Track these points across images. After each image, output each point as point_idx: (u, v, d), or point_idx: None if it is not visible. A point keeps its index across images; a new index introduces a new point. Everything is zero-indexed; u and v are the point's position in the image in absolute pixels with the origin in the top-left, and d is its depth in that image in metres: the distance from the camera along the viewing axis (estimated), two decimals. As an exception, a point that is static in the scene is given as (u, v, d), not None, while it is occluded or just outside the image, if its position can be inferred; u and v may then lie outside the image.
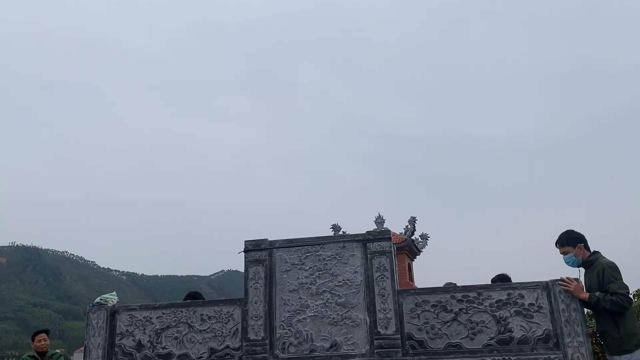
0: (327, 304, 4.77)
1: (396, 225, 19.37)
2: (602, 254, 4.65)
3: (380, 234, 4.94)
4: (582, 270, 4.71)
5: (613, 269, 4.41)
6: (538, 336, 4.42)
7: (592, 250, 4.68)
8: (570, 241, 4.70)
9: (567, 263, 4.73)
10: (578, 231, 4.77)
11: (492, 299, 4.58)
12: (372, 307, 4.68)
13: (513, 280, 5.74)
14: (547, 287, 4.53)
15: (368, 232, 4.95)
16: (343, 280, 4.82)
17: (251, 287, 4.91)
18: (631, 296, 4.50)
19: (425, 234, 18.95)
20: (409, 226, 18.30)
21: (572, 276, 4.59)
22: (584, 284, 4.57)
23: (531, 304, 4.51)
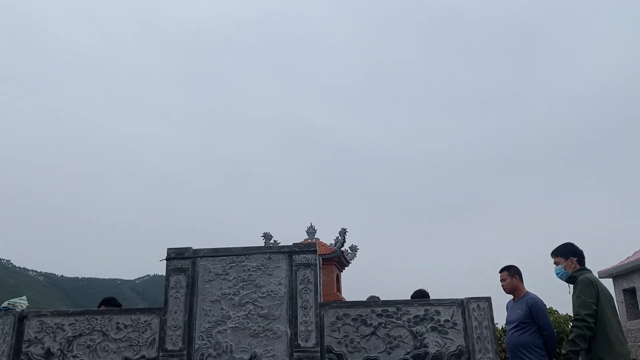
0: (249, 316, 4.73)
1: (329, 236, 19.53)
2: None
3: (307, 247, 4.97)
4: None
5: (584, 284, 4.30)
6: (452, 352, 4.59)
7: (583, 267, 4.57)
8: (563, 253, 4.62)
9: (557, 275, 4.68)
10: (577, 246, 4.66)
11: (410, 314, 4.71)
12: (294, 320, 4.69)
13: (432, 296, 5.96)
14: (462, 304, 4.72)
15: (294, 244, 4.97)
16: (267, 291, 4.80)
17: (171, 296, 4.80)
18: (587, 316, 4.22)
19: (355, 246, 19.23)
20: (340, 237, 18.52)
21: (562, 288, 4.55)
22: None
23: (447, 320, 4.68)
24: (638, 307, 19.38)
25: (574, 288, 4.46)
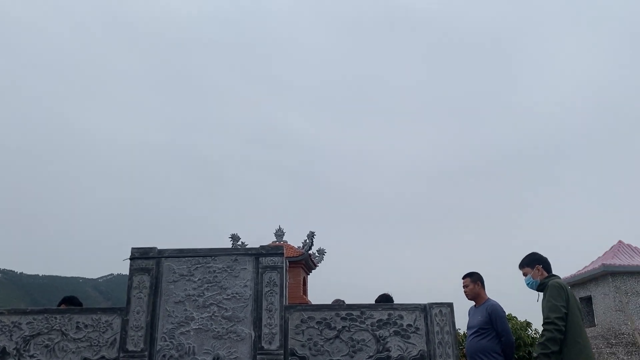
0: (213, 317, 4.71)
1: (297, 239, 19.52)
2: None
3: (274, 249, 4.97)
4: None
5: (555, 288, 4.34)
6: (413, 356, 4.65)
7: (551, 274, 4.64)
8: (529, 262, 4.69)
9: (527, 285, 4.72)
10: (540, 254, 4.72)
11: (374, 318, 4.76)
12: (259, 322, 4.68)
13: (396, 301, 6.04)
14: (425, 309, 4.79)
15: (261, 247, 4.96)
16: (232, 293, 4.79)
17: (134, 296, 4.73)
18: (557, 319, 4.24)
19: (323, 249, 19.28)
20: (308, 240, 18.55)
21: (532, 298, 4.55)
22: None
23: (409, 325, 4.74)
24: (594, 315, 19.99)
25: (543, 295, 4.50)
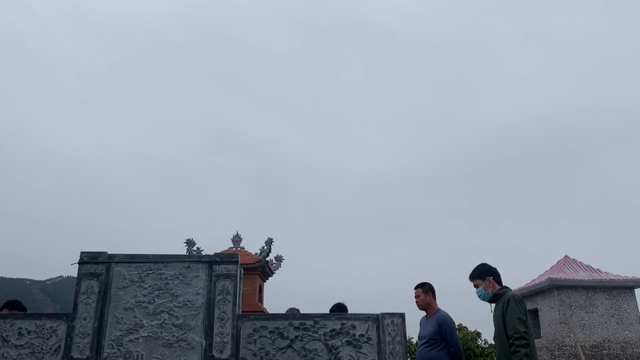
0: (163, 325, 4.62)
1: (255, 245, 19.38)
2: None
3: (228, 257, 4.93)
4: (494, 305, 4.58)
5: (516, 302, 4.30)
6: (364, 366, 4.70)
7: (502, 285, 4.60)
8: (480, 274, 4.66)
9: (479, 297, 4.68)
10: (490, 265, 4.70)
11: (327, 327, 4.78)
12: (210, 331, 4.63)
13: (351, 310, 6.08)
14: (377, 319, 4.84)
15: (215, 254, 4.92)
16: (184, 301, 4.72)
17: (82, 302, 4.60)
18: (525, 333, 4.20)
19: (280, 256, 19.19)
20: (265, 247, 18.43)
21: (486, 307, 4.51)
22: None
23: (361, 335, 4.78)
24: (540, 327, 20.64)
25: (497, 307, 4.49)
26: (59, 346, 4.50)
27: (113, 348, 4.51)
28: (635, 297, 19.85)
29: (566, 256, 21.78)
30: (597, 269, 20.82)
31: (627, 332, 19.15)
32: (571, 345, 18.30)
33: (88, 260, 4.73)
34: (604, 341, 18.81)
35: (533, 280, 21.44)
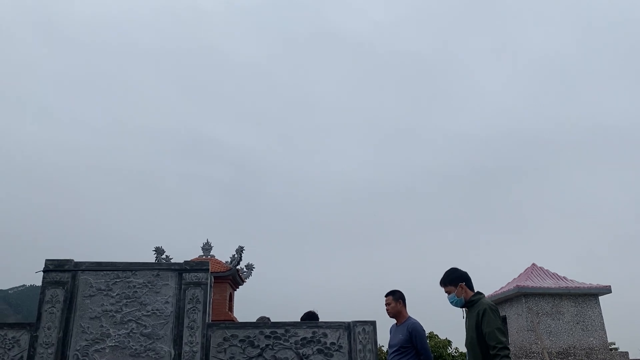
0: (131, 334, 4.53)
1: (226, 253, 19.20)
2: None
3: (198, 265, 4.87)
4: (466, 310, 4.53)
5: (493, 312, 4.23)
6: (335, 374, 4.69)
7: (475, 291, 4.52)
8: (451, 280, 4.54)
9: (451, 303, 4.58)
10: (461, 270, 4.62)
11: (298, 336, 4.76)
12: (179, 340, 4.55)
13: (322, 318, 6.07)
14: (348, 327, 4.85)
15: (185, 262, 4.85)
16: (152, 310, 4.63)
17: (46, 311, 4.47)
18: (506, 342, 4.19)
19: (251, 264, 19.03)
20: (236, 255, 18.24)
21: (459, 312, 4.44)
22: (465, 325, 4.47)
23: (333, 343, 4.78)
24: (508, 334, 20.99)
25: (470, 314, 4.44)
26: (22, 357, 4.36)
27: (78, 358, 4.39)
28: (599, 305, 20.38)
29: (534, 264, 22.23)
30: (564, 277, 21.32)
31: (591, 339, 19.62)
32: (538, 352, 18.65)
33: (53, 268, 4.60)
34: (569, 348, 19.23)
35: (502, 287, 21.80)
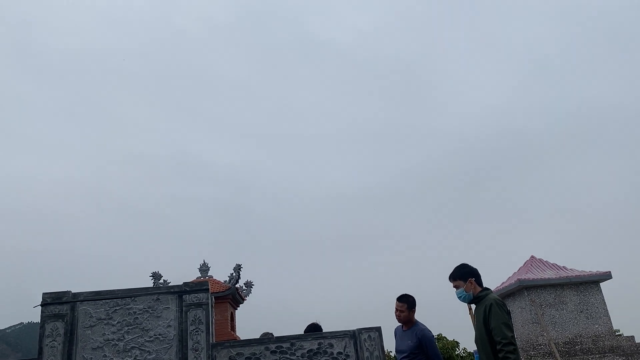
0: (135, 361, 4.46)
1: (224, 273, 19.00)
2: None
3: (198, 286, 4.83)
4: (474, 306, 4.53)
5: (499, 306, 4.26)
6: (344, 384, 4.64)
7: (483, 287, 4.54)
8: (461, 275, 4.56)
9: (459, 298, 4.61)
10: (471, 265, 4.63)
11: (304, 348, 4.72)
12: (185, 363, 4.49)
13: (326, 329, 6.01)
14: (354, 335, 4.82)
15: (185, 284, 4.80)
16: (155, 335, 4.57)
17: (47, 345, 4.40)
18: (512, 338, 4.20)
19: (250, 282, 18.88)
20: (234, 274, 18.09)
21: (464, 311, 4.52)
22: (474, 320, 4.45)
23: (340, 353, 4.74)
24: (514, 329, 20.92)
25: (478, 309, 4.45)
26: (25, 395, 4.28)
27: (83, 391, 4.32)
28: (601, 291, 20.41)
29: (532, 256, 22.26)
30: (563, 267, 21.34)
31: (596, 326, 19.63)
32: (545, 344, 18.62)
33: (51, 301, 4.54)
34: (575, 337, 19.21)
35: (503, 282, 21.80)
